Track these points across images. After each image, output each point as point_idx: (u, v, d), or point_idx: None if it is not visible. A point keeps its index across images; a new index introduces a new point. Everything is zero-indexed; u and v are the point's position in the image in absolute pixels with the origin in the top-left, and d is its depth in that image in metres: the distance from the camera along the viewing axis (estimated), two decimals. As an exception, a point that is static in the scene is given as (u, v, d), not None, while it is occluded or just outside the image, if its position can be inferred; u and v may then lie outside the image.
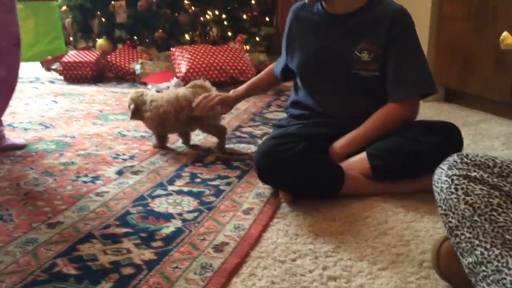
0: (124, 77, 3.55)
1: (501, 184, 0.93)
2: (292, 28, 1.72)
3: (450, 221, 0.93)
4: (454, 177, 0.96)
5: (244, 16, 3.97)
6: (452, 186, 0.95)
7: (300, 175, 1.41)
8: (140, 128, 2.32)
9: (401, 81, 1.54)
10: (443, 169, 0.99)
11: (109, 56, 3.59)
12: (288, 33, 1.75)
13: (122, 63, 3.55)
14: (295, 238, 1.26)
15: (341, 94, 1.61)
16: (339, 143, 1.57)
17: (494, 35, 1.92)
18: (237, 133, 2.26)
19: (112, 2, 3.69)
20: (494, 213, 0.88)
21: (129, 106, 2.01)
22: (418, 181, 1.50)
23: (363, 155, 1.51)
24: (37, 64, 3.86)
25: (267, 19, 4.28)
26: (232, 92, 1.95)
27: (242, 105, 2.79)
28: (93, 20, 3.80)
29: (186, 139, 2.07)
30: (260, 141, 2.12)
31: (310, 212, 1.41)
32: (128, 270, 1.11)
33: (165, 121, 1.93)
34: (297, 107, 1.73)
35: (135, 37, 3.82)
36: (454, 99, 2.78)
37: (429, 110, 2.56)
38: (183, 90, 1.97)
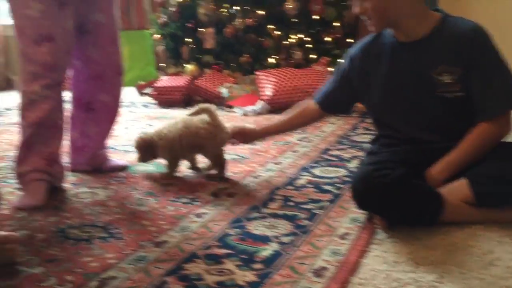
0: (212, 100, 3.68)
1: None
2: (360, 65, 1.70)
3: None
4: None
5: (327, 39, 4.00)
6: None
7: (398, 202, 1.40)
8: (231, 150, 2.40)
9: (489, 98, 1.50)
10: None
11: (197, 81, 3.76)
12: (353, 70, 1.73)
13: (210, 87, 3.70)
14: (394, 265, 1.25)
15: (427, 119, 1.59)
16: (436, 169, 1.54)
17: None
18: (325, 156, 2.27)
19: (201, 29, 3.88)
20: None
21: (138, 149, 2.04)
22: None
23: (463, 181, 1.47)
24: (132, 89, 4.13)
25: (350, 40, 4.28)
26: (262, 128, 1.99)
27: (327, 128, 2.82)
28: (183, 47, 4.01)
29: (193, 164, 2.11)
30: (349, 165, 2.12)
31: (408, 239, 1.39)
32: (233, 291, 1.16)
33: (174, 147, 1.97)
34: (384, 139, 1.71)
35: (223, 62, 3.97)
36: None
37: None
38: (187, 117, 2.02)
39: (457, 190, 1.47)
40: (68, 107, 2.01)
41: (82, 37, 1.94)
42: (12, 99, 4.08)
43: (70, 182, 1.97)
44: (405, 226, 1.44)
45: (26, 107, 1.80)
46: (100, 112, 2.07)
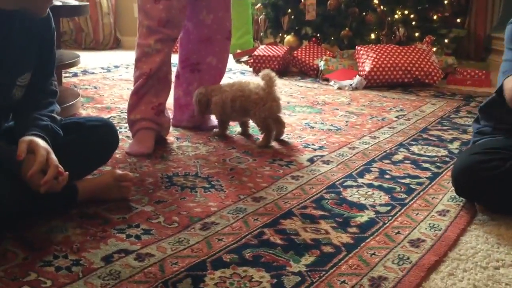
0: (308, 72, 3.69)
1: None
2: None
3: None
4: None
5: (434, 17, 3.82)
6: None
7: (503, 196, 1.34)
8: (326, 121, 2.41)
9: None
10: None
11: (295, 52, 3.77)
12: None
13: (307, 59, 3.70)
14: (496, 247, 1.21)
15: None
16: None
17: None
18: (424, 135, 2.21)
19: (303, 0, 3.86)
20: None
21: (197, 102, 2.08)
22: None
23: None
24: (230, 56, 4.23)
25: (458, 20, 4.06)
26: None
27: (427, 108, 2.72)
28: (284, 17, 4.02)
29: (244, 130, 2.15)
30: (450, 146, 2.05)
31: (508, 223, 1.33)
32: (328, 249, 1.19)
33: (225, 106, 2.01)
34: (503, 120, 1.59)
35: (323, 34, 3.94)
36: None
37: None
38: (249, 80, 2.06)
39: None
40: (175, 66, 2.12)
41: (196, 0, 2.03)
42: (120, 57, 4.36)
43: (173, 135, 2.09)
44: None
45: (140, 59, 1.93)
46: (206, 74, 2.16)
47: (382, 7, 3.66)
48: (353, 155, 1.91)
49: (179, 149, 1.93)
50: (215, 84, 2.17)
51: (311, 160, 1.84)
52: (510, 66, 1.41)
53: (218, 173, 1.69)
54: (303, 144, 2.04)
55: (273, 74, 2.03)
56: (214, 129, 2.17)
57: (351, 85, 3.25)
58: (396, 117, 2.53)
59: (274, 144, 2.03)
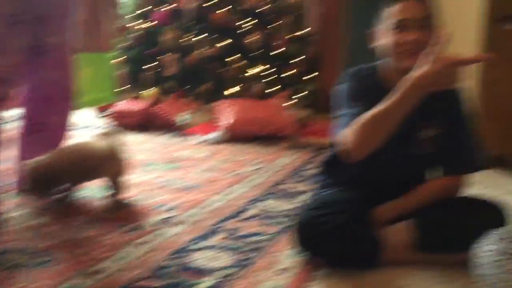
0: (170, 127, 3.66)
1: None
2: (364, 92, 1.56)
3: None
4: (497, 253, 0.95)
5: (289, 73, 4.07)
6: (496, 263, 0.93)
7: (339, 248, 1.40)
8: (183, 178, 2.37)
9: (458, 159, 1.55)
10: (486, 244, 0.98)
11: (156, 107, 3.73)
12: (359, 94, 1.56)
13: (168, 113, 3.68)
14: (332, 302, 1.24)
15: (397, 166, 1.57)
16: (385, 209, 1.55)
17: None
18: (279, 188, 2.27)
19: (164, 55, 3.88)
20: None
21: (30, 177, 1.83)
22: (460, 253, 1.46)
23: (409, 224, 1.49)
24: (89, 111, 4.05)
25: (312, 75, 4.36)
26: None
27: (284, 161, 2.83)
28: (144, 72, 3.98)
29: (85, 194, 2.02)
30: (301, 198, 2.12)
31: (348, 277, 1.39)
32: (163, 325, 1.12)
33: (63, 170, 1.86)
34: (342, 173, 1.66)
35: (183, 89, 3.96)
36: (502, 164, 2.71)
37: (477, 175, 2.50)
38: (93, 140, 2.00)
39: (401, 232, 1.48)
40: (16, 125, 1.96)
41: (35, 58, 1.91)
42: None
43: (9, 203, 1.89)
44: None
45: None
46: (46, 134, 2.02)
47: (240, 63, 3.81)
48: (205, 214, 1.88)
49: (12, 220, 1.74)
50: (56, 147, 2.02)
51: (160, 223, 1.77)
52: (348, 121, 1.48)
53: (54, 245, 1.54)
54: (154, 206, 1.97)
55: (118, 132, 1.96)
56: (57, 195, 2.00)
57: (212, 139, 3.28)
58: (254, 170, 2.59)
59: (120, 207, 1.93)
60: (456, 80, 1.32)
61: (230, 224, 1.78)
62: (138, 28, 3.98)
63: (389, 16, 1.49)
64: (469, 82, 2.75)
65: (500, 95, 2.60)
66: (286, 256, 1.52)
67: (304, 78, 4.23)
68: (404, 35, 1.45)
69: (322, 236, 1.39)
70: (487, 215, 1.47)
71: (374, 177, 1.59)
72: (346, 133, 1.46)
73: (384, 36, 1.50)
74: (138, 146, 3.07)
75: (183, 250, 1.54)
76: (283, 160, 2.82)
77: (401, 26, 1.45)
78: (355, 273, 1.40)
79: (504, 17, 2.59)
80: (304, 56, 4.20)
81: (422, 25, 1.45)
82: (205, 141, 3.24)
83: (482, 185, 2.36)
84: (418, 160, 1.56)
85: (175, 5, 3.85)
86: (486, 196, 2.13)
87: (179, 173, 2.48)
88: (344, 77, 1.60)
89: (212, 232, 1.70)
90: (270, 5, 3.88)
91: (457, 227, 1.46)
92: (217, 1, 3.79)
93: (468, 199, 1.60)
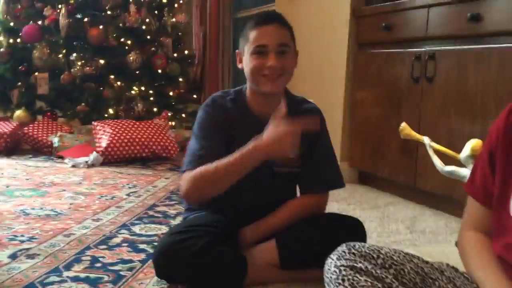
0: (41, 149, 3.42)
1: (383, 276, 0.95)
2: (225, 120, 1.55)
3: None
4: (342, 268, 0.97)
5: (171, 93, 4.03)
6: (340, 277, 0.96)
7: (202, 272, 1.37)
8: (47, 206, 2.21)
9: (320, 177, 1.60)
10: (332, 259, 1.01)
11: (26, 128, 3.47)
12: (211, 126, 1.54)
13: (40, 135, 3.44)
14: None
15: (261, 191, 1.59)
16: (250, 230, 1.55)
17: (398, 123, 2.05)
18: (150, 212, 2.20)
19: (35, 73, 3.64)
20: None
21: None
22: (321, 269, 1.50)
23: (272, 243, 1.50)
24: None
25: (194, 96, 4.36)
26: None
27: (161, 183, 2.76)
28: (13, 91, 3.70)
29: None
30: (172, 221, 2.07)
31: (211, 300, 1.36)
32: None
33: None
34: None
35: (57, 110, 3.74)
36: (367, 181, 2.90)
37: (343, 192, 2.64)
38: None
39: (266, 252, 1.50)
40: None
41: None
42: None
43: None
44: None
45: None
46: None
47: (119, 83, 3.69)
48: (67, 244, 1.75)
49: None
50: None
51: (13, 256, 1.61)
52: (193, 156, 1.48)
53: None
54: (9, 237, 1.79)
55: None
56: None
57: (87, 162, 3.11)
58: (127, 194, 2.49)
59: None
60: (294, 148, 1.39)
61: (94, 253, 1.68)
62: (4, 44, 3.70)
63: (249, 39, 1.49)
64: (337, 103, 2.93)
65: (366, 116, 2.79)
66: (149, 284, 1.45)
67: (188, 98, 4.22)
68: (262, 60, 1.46)
69: (182, 262, 1.35)
70: (347, 231, 1.54)
71: (238, 199, 1.59)
72: (185, 177, 1.46)
73: (245, 59, 1.51)
74: (1, 172, 2.82)
75: (36, 285, 1.41)
76: (159, 183, 2.76)
77: (259, 52, 1.46)
78: (218, 296, 1.38)
79: (368, 42, 2.80)
80: (186, 77, 4.20)
81: (280, 51, 1.47)
82: (78, 164, 3.06)
83: (348, 201, 2.50)
84: (281, 179, 1.59)
85: (47, 20, 3.64)
86: (352, 212, 2.27)
87: (45, 200, 2.30)
88: (203, 105, 1.57)
89: (72, 263, 1.58)
90: (150, 25, 3.82)
91: (317, 243, 1.50)
92: (94, 18, 3.65)
93: (329, 216, 1.66)
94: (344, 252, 1.00)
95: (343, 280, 0.95)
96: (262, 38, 1.46)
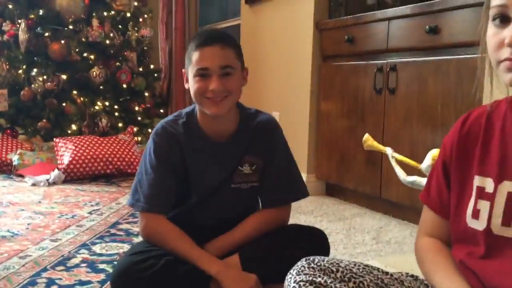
0: (0, 168, 3.30)
1: None
2: (176, 146, 1.51)
3: None
4: (301, 283, 0.95)
5: (136, 108, 3.96)
6: None
7: None
8: (3, 227, 2.12)
9: (280, 190, 1.57)
10: (292, 274, 0.98)
11: (-16, 146, 3.35)
12: (168, 152, 1.50)
13: (-1, 153, 3.32)
14: None
15: (220, 207, 1.56)
16: (212, 245, 1.51)
17: (363, 134, 2.05)
18: (113, 231, 2.13)
19: (-7, 90, 3.53)
20: None
21: None
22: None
23: (235, 258, 1.47)
24: None
25: (161, 111, 4.31)
26: None
27: (125, 199, 2.69)
28: (-30, 108, 3.58)
29: None
30: (135, 239, 2.01)
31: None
32: None
33: None
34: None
35: (17, 127, 3.63)
36: (334, 193, 2.90)
37: (310, 204, 2.63)
38: None
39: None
40: None
41: None
42: None
43: None
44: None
45: None
46: None
47: (82, 98, 3.61)
48: (22, 266, 1.68)
49: None
50: None
51: (-38, 281, 1.53)
52: (144, 189, 1.47)
53: None
54: (-41, 261, 1.71)
55: None
56: None
57: (47, 180, 3.01)
58: (89, 212, 2.41)
59: None
60: None
61: (50, 275, 1.61)
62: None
63: (192, 61, 1.43)
64: (302, 116, 2.94)
65: (331, 127, 2.80)
66: (107, 305, 1.40)
67: (154, 112, 4.16)
68: (205, 83, 1.40)
69: (141, 284, 1.31)
70: (310, 243, 1.52)
71: (199, 216, 1.56)
72: (144, 221, 1.46)
73: (190, 80, 1.46)
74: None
75: (-14, 312, 1.34)
76: (123, 200, 2.69)
77: (202, 75, 1.41)
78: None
79: (332, 55, 2.82)
80: (152, 91, 4.15)
81: (224, 73, 1.41)
82: (39, 183, 2.97)
83: (315, 213, 2.49)
84: (240, 194, 1.57)
85: (6, 35, 3.54)
86: (318, 224, 2.26)
87: (1, 221, 2.21)
88: (153, 133, 1.52)
89: (27, 286, 1.51)
90: (114, 39, 3.76)
91: (281, 257, 1.48)
92: (55, 33, 3.57)
93: (292, 228, 1.64)
94: (304, 266, 0.98)
95: None
96: (204, 61, 1.40)
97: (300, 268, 0.98)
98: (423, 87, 2.20)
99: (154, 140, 1.50)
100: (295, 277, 0.97)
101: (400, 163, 1.89)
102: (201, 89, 1.41)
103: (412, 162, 1.81)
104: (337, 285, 0.93)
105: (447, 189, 1.00)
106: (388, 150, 1.92)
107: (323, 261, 0.99)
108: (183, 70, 1.52)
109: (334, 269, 0.97)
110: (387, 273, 1.00)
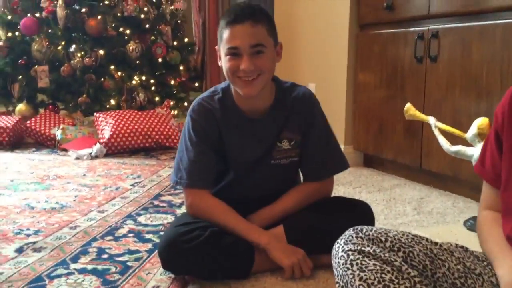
0: (44, 143, 3.42)
1: (392, 259, 0.93)
2: (213, 122, 1.51)
3: None
4: (350, 252, 0.96)
5: (172, 82, 4.00)
6: (348, 262, 0.94)
7: (208, 263, 1.36)
8: (52, 198, 2.20)
9: (321, 163, 1.58)
10: (340, 244, 0.99)
11: (28, 122, 3.46)
12: (207, 128, 1.50)
13: (43, 128, 3.43)
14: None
15: (262, 182, 1.59)
16: (256, 217, 1.54)
17: (403, 105, 2.02)
18: (156, 202, 2.19)
19: (35, 66, 3.61)
20: None
21: None
22: (330, 254, 1.50)
23: (280, 229, 1.49)
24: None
25: (196, 84, 4.33)
26: None
27: (165, 172, 2.75)
28: (13, 85, 3.68)
29: None
30: (178, 210, 2.06)
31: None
32: None
33: None
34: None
35: (58, 102, 3.73)
36: (372, 164, 2.87)
37: (348, 176, 2.62)
38: None
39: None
40: None
41: None
42: None
43: None
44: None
45: None
46: None
47: (119, 73, 3.66)
48: (73, 236, 1.75)
49: None
50: None
51: (19, 250, 1.61)
52: (187, 164, 1.50)
53: None
54: (15, 231, 1.79)
55: None
56: None
57: (90, 154, 3.10)
58: (132, 185, 2.48)
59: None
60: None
61: (100, 244, 1.67)
62: (2, 38, 3.67)
63: (223, 39, 1.41)
64: (340, 87, 2.90)
65: (369, 98, 2.76)
66: (156, 274, 1.45)
67: (189, 86, 4.20)
68: (237, 62, 1.39)
69: (187, 254, 1.34)
70: (355, 215, 1.52)
71: (241, 191, 1.58)
72: (190, 196, 1.51)
73: (222, 58, 1.44)
74: (5, 166, 2.81)
75: (43, 278, 1.41)
76: (164, 173, 2.74)
77: (233, 54, 1.39)
78: (226, 282, 1.38)
79: (370, 23, 2.76)
80: (187, 65, 4.16)
81: (255, 51, 1.39)
82: (82, 156, 3.05)
83: (353, 184, 2.48)
84: (281, 169, 1.57)
85: (44, 12, 3.60)
86: (358, 195, 2.25)
87: (50, 193, 2.30)
88: (190, 111, 1.53)
89: (79, 255, 1.58)
90: (149, 13, 3.78)
91: (325, 228, 1.49)
92: (91, 9, 3.61)
93: (336, 200, 1.65)
94: (352, 236, 0.98)
95: (351, 264, 0.93)
96: (234, 40, 1.37)
97: (348, 238, 0.98)
98: (467, 54, 2.13)
99: (192, 117, 1.51)
100: (343, 246, 0.97)
101: (444, 133, 1.86)
102: (233, 68, 1.40)
103: (457, 131, 1.78)
104: (386, 254, 0.94)
105: (500, 160, 0.98)
106: (431, 120, 1.89)
107: (371, 230, 0.99)
108: (216, 48, 1.50)
109: (383, 239, 0.97)
110: (436, 243, 1.00)
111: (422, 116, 1.94)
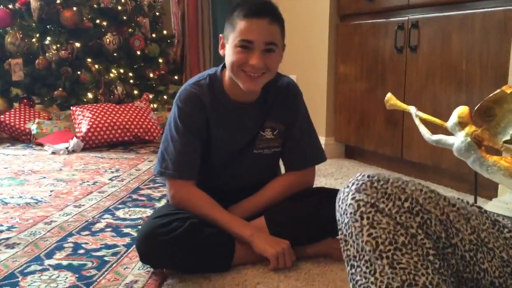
0: (19, 138, 3.33)
1: (408, 224, 0.81)
2: (200, 110, 1.48)
3: (348, 249, 0.82)
4: (361, 203, 0.82)
5: (151, 75, 3.93)
6: (358, 213, 0.82)
7: (188, 256, 1.33)
8: (26, 194, 2.14)
9: (303, 153, 1.56)
10: (350, 189, 0.85)
11: (2, 116, 3.37)
12: (193, 117, 1.47)
13: (17, 123, 3.34)
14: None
15: (243, 172, 1.56)
16: (237, 208, 1.51)
17: (383, 95, 2.01)
18: (134, 196, 2.14)
19: (8, 60, 3.51)
20: (398, 253, 0.78)
21: None
22: (312, 245, 1.48)
23: (261, 220, 1.47)
24: None
25: (175, 77, 4.27)
26: None
27: (144, 166, 2.70)
28: (-14, 78, 3.57)
29: None
30: (158, 204, 2.02)
31: (199, 281, 1.32)
32: None
33: None
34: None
35: (33, 96, 3.63)
36: (353, 155, 2.87)
37: (329, 167, 2.61)
38: None
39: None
40: None
41: None
42: None
43: None
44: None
45: None
46: None
47: (96, 66, 3.58)
48: (48, 232, 1.70)
49: None
50: None
51: (-11, 246, 1.55)
52: (171, 155, 1.46)
53: None
54: (-13, 227, 1.73)
55: None
56: None
57: (67, 148, 3.03)
58: (110, 179, 2.42)
59: None
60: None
61: (76, 239, 1.63)
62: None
63: (235, 29, 1.36)
64: (320, 78, 2.88)
65: (350, 89, 2.75)
66: (134, 268, 1.41)
67: (169, 79, 4.13)
68: (246, 56, 1.35)
69: (166, 247, 1.31)
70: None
71: (223, 181, 1.55)
72: (173, 187, 1.47)
73: (229, 48, 1.39)
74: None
75: (16, 275, 1.36)
76: (143, 166, 2.69)
77: (244, 46, 1.35)
78: (206, 276, 1.35)
79: (350, 13, 2.74)
80: (166, 57, 4.10)
81: (267, 49, 1.36)
82: (58, 151, 2.98)
83: (335, 176, 2.47)
84: (263, 159, 1.55)
85: (17, 3, 3.49)
86: (339, 186, 2.24)
87: (24, 188, 2.23)
88: (176, 99, 1.49)
89: (54, 251, 1.53)
90: (126, 5, 3.70)
91: (307, 218, 1.47)
92: (66, 0, 3.51)
93: (317, 191, 1.63)
94: (365, 184, 0.83)
95: (361, 217, 0.81)
96: (250, 33, 1.33)
97: (360, 185, 0.84)
98: (447, 44, 2.13)
99: (178, 105, 1.47)
100: (353, 194, 0.84)
101: (424, 122, 1.85)
102: (240, 61, 1.36)
103: (438, 121, 1.77)
104: (403, 217, 0.81)
105: None
106: (412, 109, 1.87)
107: (388, 183, 0.83)
108: (220, 36, 1.46)
109: (403, 197, 0.82)
110: (453, 205, 0.87)
111: (403, 105, 1.93)
